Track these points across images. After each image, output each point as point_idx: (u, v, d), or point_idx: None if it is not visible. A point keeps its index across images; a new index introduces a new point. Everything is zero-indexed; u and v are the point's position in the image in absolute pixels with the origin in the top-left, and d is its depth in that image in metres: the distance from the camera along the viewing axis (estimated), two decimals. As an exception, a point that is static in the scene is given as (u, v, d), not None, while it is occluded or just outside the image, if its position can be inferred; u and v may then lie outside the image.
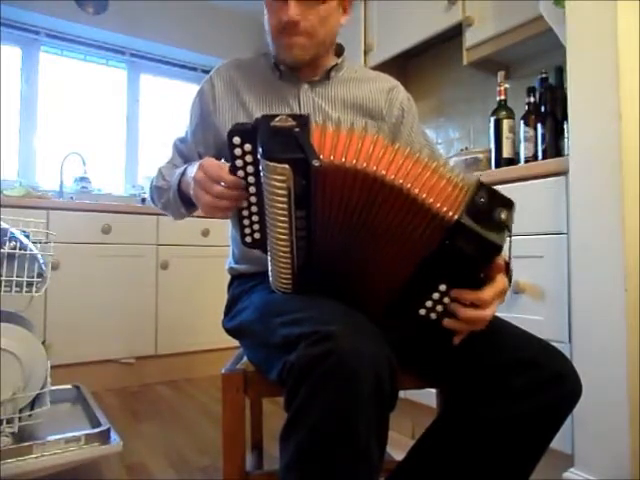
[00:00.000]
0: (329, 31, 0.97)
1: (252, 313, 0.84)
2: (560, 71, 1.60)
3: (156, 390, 2.38)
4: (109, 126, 3.05)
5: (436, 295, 0.68)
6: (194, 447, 1.67)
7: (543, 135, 1.61)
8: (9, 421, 1.19)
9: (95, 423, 1.39)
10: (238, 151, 0.69)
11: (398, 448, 0.97)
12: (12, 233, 1.21)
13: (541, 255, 1.33)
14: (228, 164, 0.72)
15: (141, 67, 3.17)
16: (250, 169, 0.70)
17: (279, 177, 0.63)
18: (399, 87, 1.08)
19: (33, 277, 1.22)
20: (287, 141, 0.64)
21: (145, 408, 2.11)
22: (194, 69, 3.33)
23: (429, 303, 0.69)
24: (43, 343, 1.31)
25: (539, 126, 1.63)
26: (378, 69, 1.31)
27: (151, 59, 3.18)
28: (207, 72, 1.10)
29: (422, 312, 0.70)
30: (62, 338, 2.15)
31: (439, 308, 0.69)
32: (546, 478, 1.19)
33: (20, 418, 1.21)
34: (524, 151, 1.67)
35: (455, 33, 1.95)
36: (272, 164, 0.63)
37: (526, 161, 1.65)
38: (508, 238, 0.64)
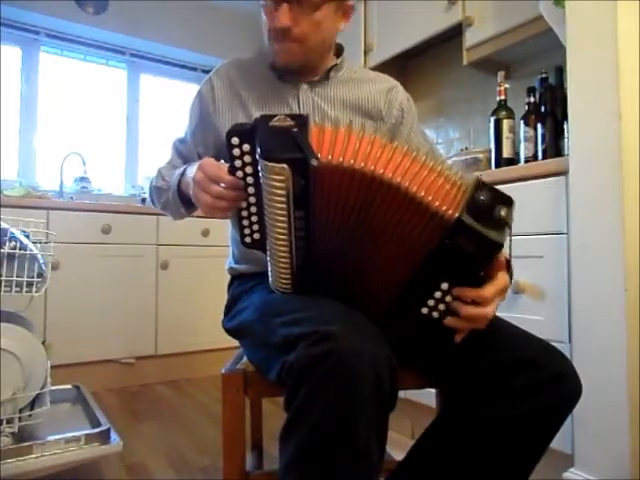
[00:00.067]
0: (323, 38, 0.95)
1: (252, 313, 0.84)
2: (560, 71, 1.60)
3: (156, 390, 2.38)
4: (109, 126, 3.05)
5: (438, 294, 0.68)
6: (194, 447, 1.67)
7: (543, 135, 1.61)
8: (9, 421, 1.19)
9: (95, 423, 1.39)
10: (237, 151, 0.69)
11: (398, 448, 0.97)
12: (12, 233, 1.21)
13: (541, 255, 1.32)
14: (227, 164, 0.72)
15: (141, 67, 3.17)
16: (249, 169, 0.70)
17: (278, 177, 0.63)
18: (398, 87, 1.08)
19: (33, 277, 1.22)
20: (285, 141, 0.64)
21: (145, 408, 2.11)
22: (194, 69, 3.33)
23: (431, 302, 0.69)
24: (43, 343, 1.31)
25: (539, 126, 1.63)
26: (378, 69, 1.31)
27: (151, 59, 3.18)
28: (207, 72, 1.10)
29: (424, 311, 0.70)
30: (62, 338, 2.15)
31: (441, 307, 0.69)
32: (546, 478, 1.19)
33: (20, 418, 1.21)
34: (524, 151, 1.67)
35: (455, 33, 1.95)
36: (270, 164, 0.63)
37: (526, 161, 1.65)
38: (508, 236, 0.64)
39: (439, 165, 0.66)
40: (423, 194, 0.63)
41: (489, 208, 0.63)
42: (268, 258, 0.73)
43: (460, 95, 2.24)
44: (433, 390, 0.95)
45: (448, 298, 0.68)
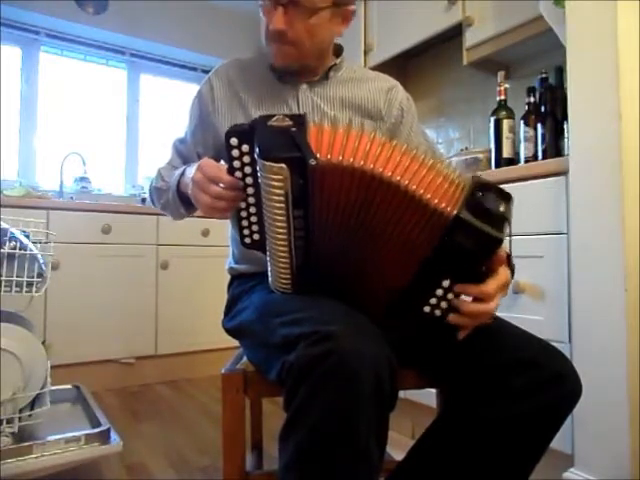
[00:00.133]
0: (319, 42, 0.95)
1: (252, 313, 0.84)
2: (560, 71, 1.60)
3: (156, 390, 2.38)
4: (109, 126, 3.05)
5: (440, 291, 0.68)
6: (194, 447, 1.67)
7: (543, 135, 1.61)
8: (9, 421, 1.19)
9: (95, 423, 1.39)
10: (236, 152, 0.69)
11: (398, 448, 0.97)
12: (12, 233, 1.21)
13: (541, 255, 1.32)
14: (227, 165, 0.72)
15: (141, 67, 3.17)
16: (248, 170, 0.70)
17: (276, 176, 0.63)
18: (398, 87, 1.08)
19: (33, 277, 1.22)
20: (284, 141, 0.64)
21: (145, 408, 2.11)
22: (194, 69, 3.33)
23: (433, 300, 0.69)
24: (43, 343, 1.31)
25: (539, 126, 1.63)
26: (378, 69, 1.31)
27: (151, 59, 3.18)
28: (207, 72, 1.10)
29: (427, 309, 0.70)
30: (62, 338, 2.15)
31: (443, 304, 0.69)
32: (546, 478, 1.19)
33: (20, 418, 1.21)
34: (524, 151, 1.67)
35: (455, 33, 1.95)
36: (269, 163, 0.63)
37: (526, 161, 1.65)
38: (508, 231, 0.64)
39: (438, 163, 0.66)
40: (422, 192, 0.63)
41: (487, 204, 0.63)
42: (268, 258, 0.73)
43: (460, 95, 2.24)
44: (433, 390, 0.95)
45: (450, 295, 0.68)
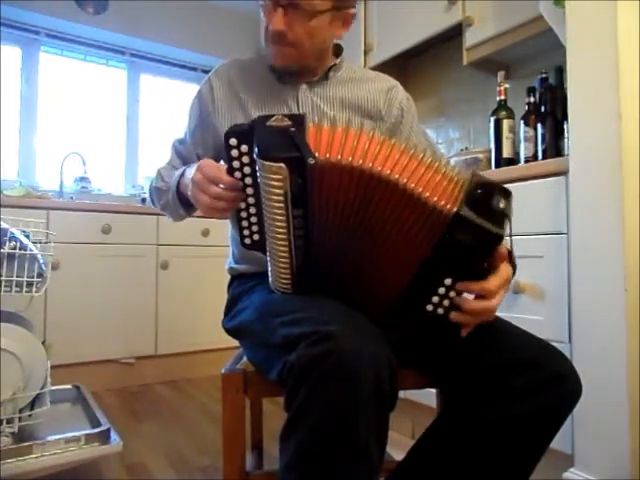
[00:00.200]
0: (318, 44, 0.94)
1: (252, 313, 0.84)
2: (560, 71, 1.60)
3: (156, 390, 2.38)
4: (109, 126, 3.05)
5: (442, 290, 0.68)
6: (194, 447, 1.67)
7: (543, 135, 1.61)
8: (9, 421, 1.19)
9: (95, 423, 1.39)
10: (235, 152, 0.69)
11: (398, 448, 0.97)
12: (12, 233, 1.21)
13: (541, 255, 1.32)
14: (226, 165, 0.72)
15: (141, 67, 3.17)
16: (247, 170, 0.70)
17: (275, 176, 0.63)
18: (398, 87, 1.08)
19: (33, 277, 1.22)
20: (283, 140, 0.64)
21: (145, 408, 2.11)
22: (194, 69, 3.33)
23: (435, 298, 0.69)
24: (43, 343, 1.31)
25: (539, 126, 1.63)
26: (378, 69, 1.31)
27: (151, 59, 3.18)
28: (207, 72, 1.10)
29: (429, 308, 0.70)
30: (62, 338, 2.15)
31: (446, 302, 0.69)
32: (546, 478, 1.19)
33: (20, 418, 1.21)
34: (524, 151, 1.67)
35: (455, 33, 1.95)
36: (268, 163, 0.63)
37: (526, 161, 1.65)
38: (508, 227, 0.64)
39: (437, 162, 0.66)
40: (421, 190, 0.63)
41: (487, 201, 0.63)
42: (268, 258, 0.73)
43: (460, 95, 2.24)
44: (433, 390, 0.95)
45: (452, 293, 0.68)
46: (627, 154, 1.15)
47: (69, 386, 1.67)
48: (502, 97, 1.76)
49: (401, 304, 0.72)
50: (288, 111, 0.98)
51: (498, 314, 0.74)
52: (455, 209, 0.62)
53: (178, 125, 2.97)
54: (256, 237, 0.75)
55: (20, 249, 1.20)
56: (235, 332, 0.93)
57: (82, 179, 2.80)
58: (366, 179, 0.64)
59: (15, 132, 2.75)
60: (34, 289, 1.23)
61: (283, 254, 0.70)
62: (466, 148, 2.09)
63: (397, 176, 0.63)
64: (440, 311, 0.70)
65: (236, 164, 0.70)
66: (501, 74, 1.76)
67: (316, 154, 0.63)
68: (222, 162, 0.88)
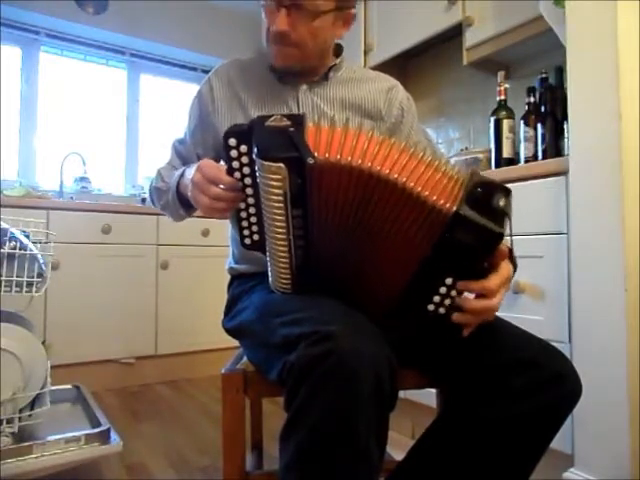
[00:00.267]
0: (320, 44, 0.95)
1: (252, 313, 0.84)
2: (560, 71, 1.60)
3: (156, 390, 2.38)
4: (109, 126, 3.05)
5: (443, 289, 0.68)
6: (194, 447, 1.67)
7: (543, 135, 1.61)
8: (9, 421, 1.19)
9: (95, 423, 1.39)
10: (234, 152, 0.69)
11: (398, 448, 0.97)
12: (12, 233, 1.21)
13: (541, 255, 1.32)
14: (226, 166, 0.72)
15: (141, 67, 3.17)
16: (247, 170, 0.70)
17: (274, 176, 0.63)
18: (398, 87, 1.08)
19: (33, 277, 1.22)
20: (282, 140, 0.64)
21: (145, 408, 2.11)
22: (194, 69, 3.33)
23: (437, 298, 0.69)
24: (43, 343, 1.31)
25: (539, 126, 1.63)
26: (378, 69, 1.31)
27: (151, 59, 3.18)
28: (207, 72, 1.10)
29: (430, 308, 0.70)
30: (62, 338, 2.15)
31: (447, 302, 0.69)
32: (546, 478, 1.19)
33: (20, 418, 1.21)
34: (524, 151, 1.67)
35: (455, 33, 1.95)
36: (267, 163, 0.63)
37: (526, 161, 1.65)
38: (508, 225, 0.64)
39: (436, 161, 0.66)
40: (420, 189, 0.63)
41: (487, 199, 0.63)
42: (268, 258, 0.73)
43: (460, 95, 2.24)
44: (433, 390, 0.95)
45: (453, 293, 0.68)
46: (627, 154, 1.15)
47: (69, 386, 1.67)
48: (502, 97, 1.76)
49: (401, 304, 0.72)
50: (288, 111, 0.98)
51: (498, 314, 0.74)
52: (455, 208, 0.62)
53: (178, 125, 2.97)
54: (256, 237, 0.75)
55: (20, 249, 1.20)
56: (235, 332, 0.93)
57: (82, 179, 2.80)
58: (365, 178, 0.64)
59: (15, 132, 2.75)
60: (34, 289, 1.23)
61: (283, 254, 0.70)
62: (466, 148, 2.09)
63: (396, 175, 0.63)
64: (442, 310, 0.70)
65: (235, 164, 0.70)
66: (501, 74, 1.76)
67: (315, 154, 0.63)
68: (222, 162, 0.88)
